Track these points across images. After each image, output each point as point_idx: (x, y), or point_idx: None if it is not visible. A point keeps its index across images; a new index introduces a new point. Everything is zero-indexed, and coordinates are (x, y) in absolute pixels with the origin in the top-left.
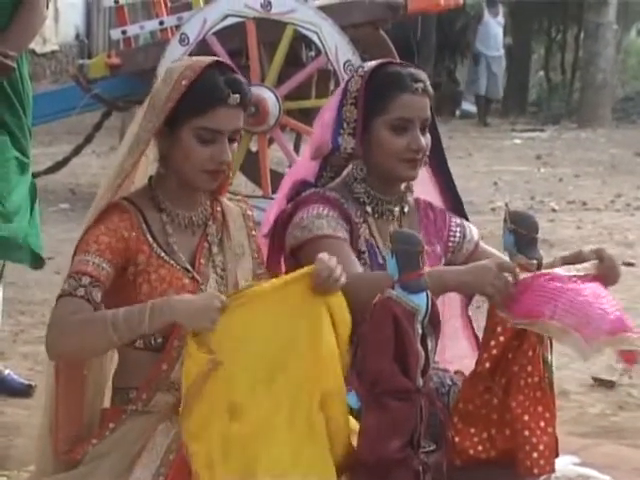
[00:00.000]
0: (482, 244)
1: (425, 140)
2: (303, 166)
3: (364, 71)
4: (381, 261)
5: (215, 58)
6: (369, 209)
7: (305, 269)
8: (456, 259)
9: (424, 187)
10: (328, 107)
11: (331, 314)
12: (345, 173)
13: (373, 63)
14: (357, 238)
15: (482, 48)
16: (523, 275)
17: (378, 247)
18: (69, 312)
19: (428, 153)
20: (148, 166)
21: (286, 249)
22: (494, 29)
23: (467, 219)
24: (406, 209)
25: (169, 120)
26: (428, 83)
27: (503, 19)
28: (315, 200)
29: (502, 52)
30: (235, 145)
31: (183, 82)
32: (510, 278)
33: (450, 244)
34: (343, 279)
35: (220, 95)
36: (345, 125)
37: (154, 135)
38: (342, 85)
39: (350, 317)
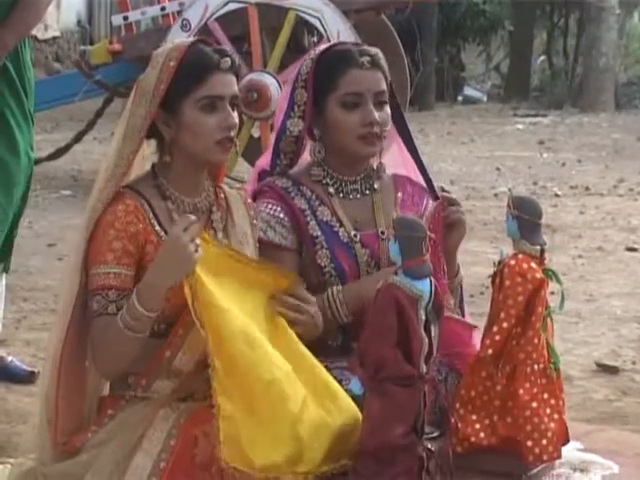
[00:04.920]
0: None
1: (381, 114)
2: (265, 156)
3: (315, 54)
4: (345, 240)
5: (197, 38)
6: (332, 190)
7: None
8: None
9: (395, 162)
10: (284, 94)
11: None
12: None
13: (324, 45)
14: (305, 225)
15: None
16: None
17: (344, 226)
18: (101, 332)
19: (388, 128)
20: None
21: None
22: None
23: (437, 197)
24: (376, 185)
25: (166, 105)
26: (380, 57)
27: None
28: (264, 192)
29: None
30: (236, 113)
31: (171, 63)
32: None
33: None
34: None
35: (212, 61)
36: (296, 108)
37: (160, 126)
38: (295, 71)
39: None
